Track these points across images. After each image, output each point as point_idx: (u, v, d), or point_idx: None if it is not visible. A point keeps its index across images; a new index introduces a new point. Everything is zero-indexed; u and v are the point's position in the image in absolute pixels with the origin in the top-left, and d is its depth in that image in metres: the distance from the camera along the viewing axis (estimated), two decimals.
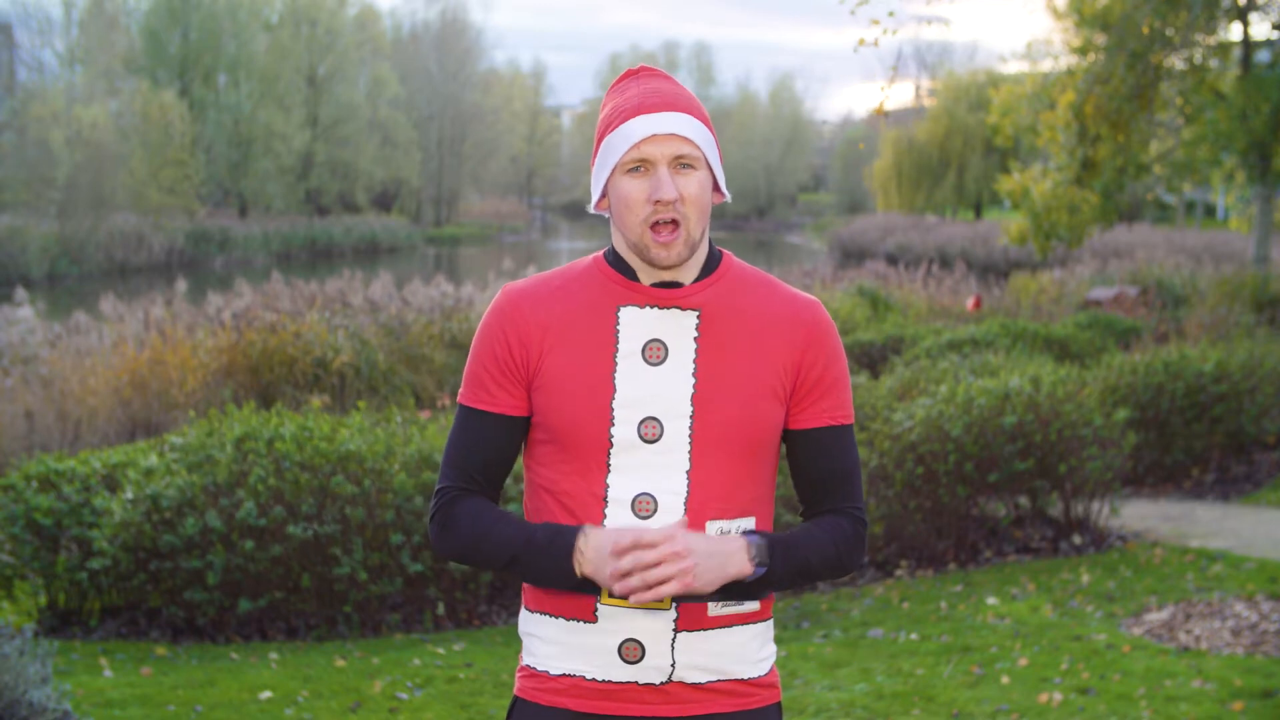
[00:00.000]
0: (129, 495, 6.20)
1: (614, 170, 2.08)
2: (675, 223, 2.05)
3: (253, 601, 6.16)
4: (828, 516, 2.15)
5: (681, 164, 2.06)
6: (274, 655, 5.88)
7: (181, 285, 15.40)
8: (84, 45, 46.47)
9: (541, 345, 2.10)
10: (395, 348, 12.54)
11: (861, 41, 7.58)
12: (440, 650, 5.96)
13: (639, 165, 2.06)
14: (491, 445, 2.13)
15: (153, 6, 49.36)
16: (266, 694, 5.22)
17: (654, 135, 2.05)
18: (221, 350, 11.47)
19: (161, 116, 42.11)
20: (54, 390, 10.37)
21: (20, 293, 13.22)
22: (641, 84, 2.12)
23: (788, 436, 2.16)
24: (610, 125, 2.10)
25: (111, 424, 10.48)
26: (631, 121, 2.07)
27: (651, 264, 2.08)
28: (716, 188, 2.14)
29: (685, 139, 2.06)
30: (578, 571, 2.02)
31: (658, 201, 2.04)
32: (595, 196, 2.14)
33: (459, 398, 2.17)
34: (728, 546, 2.00)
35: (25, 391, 10.30)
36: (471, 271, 30.79)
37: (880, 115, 7.52)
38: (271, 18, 53.17)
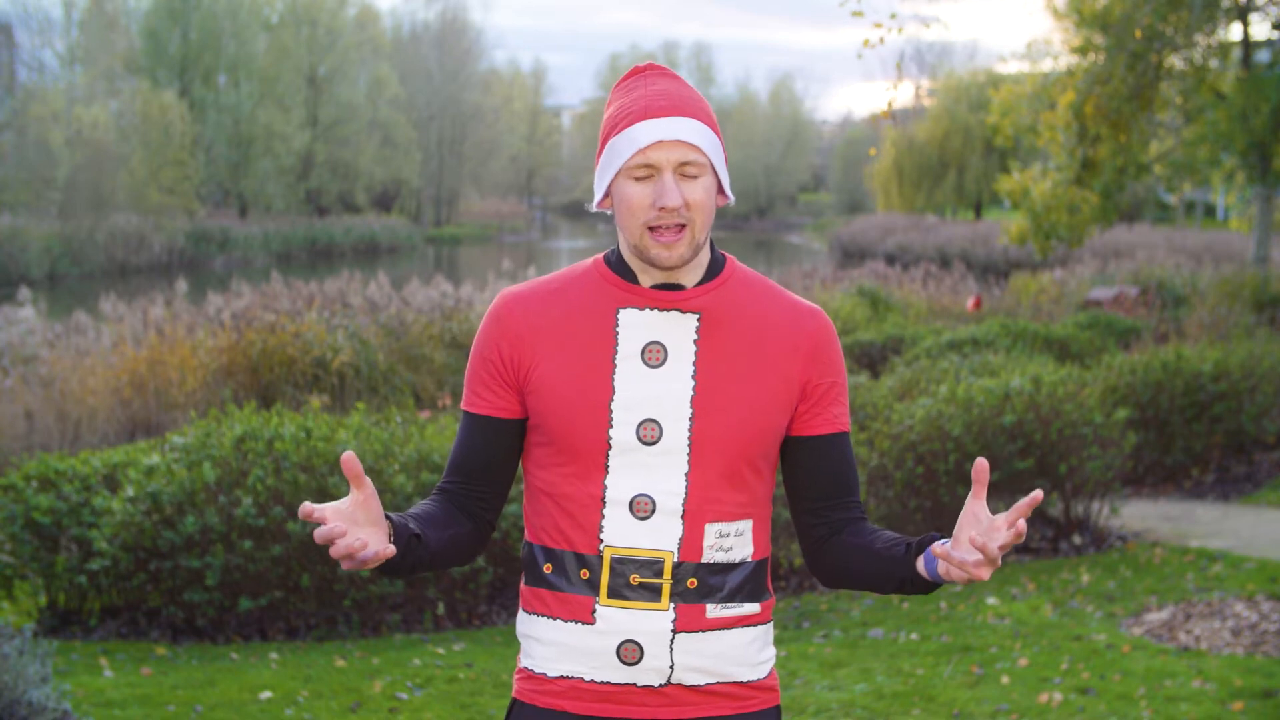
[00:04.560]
0: (129, 494, 6.20)
1: (618, 173, 2.06)
2: (681, 225, 2.04)
3: (253, 600, 6.16)
4: (862, 523, 2.17)
5: (687, 170, 2.04)
6: (274, 655, 5.88)
7: (182, 285, 15.40)
8: (84, 45, 46.44)
9: (535, 348, 2.10)
10: (395, 348, 12.54)
11: (866, 43, 7.59)
12: (440, 650, 5.96)
13: (644, 170, 2.04)
14: (486, 448, 2.14)
15: (153, 6, 49.33)
16: (266, 694, 5.21)
17: (660, 142, 2.03)
18: (221, 350, 11.48)
19: (161, 116, 42.10)
20: (54, 390, 10.37)
21: (24, 292, 13.23)
22: (648, 85, 2.09)
23: (791, 443, 2.15)
24: (616, 127, 2.08)
25: (111, 424, 10.48)
26: (638, 126, 2.04)
27: (652, 264, 2.06)
28: (720, 190, 2.12)
29: (692, 145, 2.04)
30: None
31: (662, 209, 2.02)
32: (598, 196, 2.12)
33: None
34: None
35: (25, 391, 10.29)
36: (471, 271, 30.78)
37: (887, 118, 7.53)
38: (271, 18, 53.15)
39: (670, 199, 2.01)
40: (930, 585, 2.05)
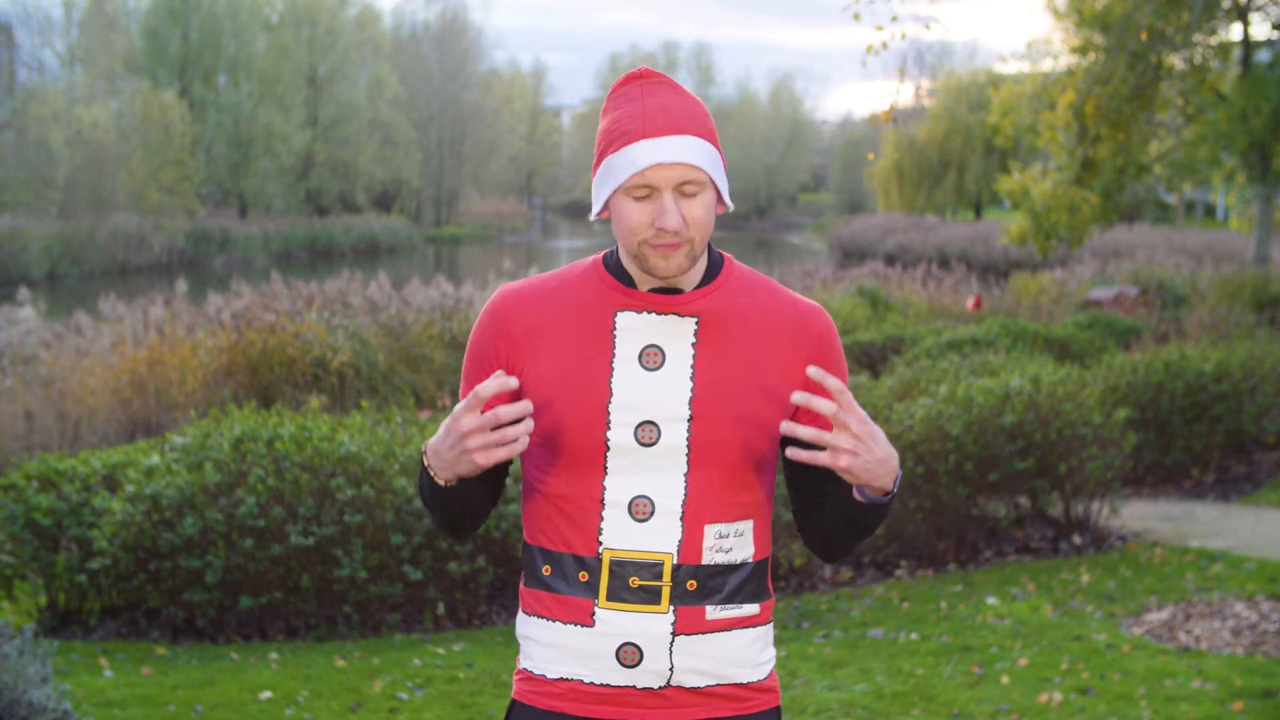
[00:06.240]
0: (129, 494, 6.20)
1: (616, 191, 2.05)
2: (678, 243, 2.03)
3: (253, 600, 6.16)
4: None
5: (686, 189, 2.03)
6: (274, 655, 5.88)
7: (181, 285, 15.39)
8: (84, 45, 46.46)
9: (531, 348, 2.09)
10: (395, 348, 12.54)
11: (870, 49, 7.61)
12: (440, 650, 5.96)
13: (643, 190, 2.02)
14: None
15: (153, 6, 49.36)
16: (266, 694, 5.22)
17: (659, 164, 2.01)
18: (221, 350, 11.48)
19: (161, 116, 42.12)
20: (54, 390, 10.37)
21: (23, 292, 13.24)
22: (646, 98, 2.06)
23: (793, 441, 2.14)
24: (613, 143, 2.05)
25: (111, 424, 10.48)
26: (636, 146, 2.02)
27: (651, 274, 2.06)
28: (719, 199, 2.10)
29: (691, 166, 2.02)
30: (436, 477, 2.03)
31: (660, 229, 2.01)
32: (596, 207, 2.10)
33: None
34: (888, 450, 1.97)
35: (25, 391, 10.29)
36: (471, 271, 30.78)
37: (889, 120, 7.55)
38: (271, 18, 53.18)
39: (670, 220, 2.00)
40: (877, 504, 2.03)
